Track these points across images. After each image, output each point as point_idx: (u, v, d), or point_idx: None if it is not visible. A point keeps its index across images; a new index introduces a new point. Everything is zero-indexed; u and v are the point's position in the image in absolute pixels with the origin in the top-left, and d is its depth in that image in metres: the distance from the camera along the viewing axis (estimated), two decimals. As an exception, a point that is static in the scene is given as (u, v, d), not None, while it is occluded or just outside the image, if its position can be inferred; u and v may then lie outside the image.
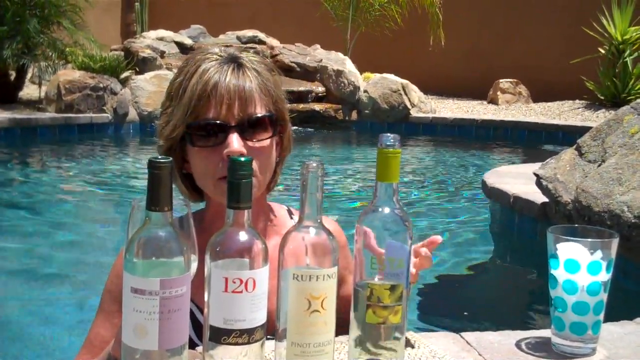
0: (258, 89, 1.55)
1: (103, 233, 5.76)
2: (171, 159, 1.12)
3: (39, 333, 3.72)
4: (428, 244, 1.48)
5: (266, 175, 1.58)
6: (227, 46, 1.72)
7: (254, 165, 1.43)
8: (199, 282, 1.19)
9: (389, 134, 1.24)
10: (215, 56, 1.57)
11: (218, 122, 1.51)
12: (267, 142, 1.56)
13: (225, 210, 1.55)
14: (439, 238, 1.48)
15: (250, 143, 1.53)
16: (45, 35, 10.98)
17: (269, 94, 1.57)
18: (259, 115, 1.54)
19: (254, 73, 1.56)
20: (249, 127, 1.53)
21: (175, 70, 1.80)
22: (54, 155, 9.20)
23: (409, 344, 1.44)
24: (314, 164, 1.19)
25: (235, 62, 1.56)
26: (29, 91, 11.94)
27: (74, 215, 6.31)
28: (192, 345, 1.33)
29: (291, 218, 1.73)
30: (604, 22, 12.43)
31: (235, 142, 1.50)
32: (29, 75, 11.88)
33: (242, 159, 1.16)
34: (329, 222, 1.68)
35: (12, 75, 11.57)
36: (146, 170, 1.11)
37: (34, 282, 4.48)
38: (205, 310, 1.17)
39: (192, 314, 1.15)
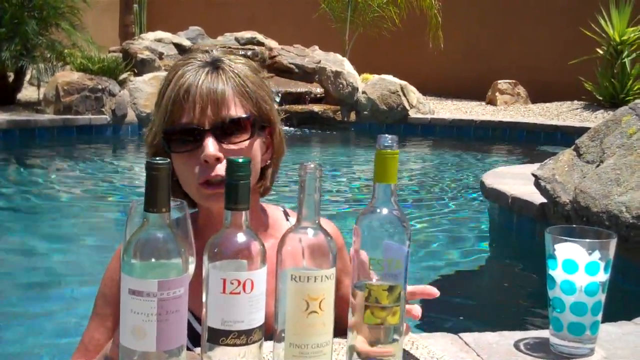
0: (234, 90, 1.52)
1: (101, 235, 5.76)
2: (169, 160, 1.12)
3: (33, 336, 3.72)
4: (420, 293, 1.42)
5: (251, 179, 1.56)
6: (222, 47, 1.70)
7: None
8: (193, 288, 1.19)
9: (387, 135, 1.23)
10: (195, 60, 1.55)
11: (192, 126, 1.50)
12: (246, 144, 1.53)
13: (214, 215, 1.56)
14: (434, 292, 1.42)
15: (225, 146, 1.51)
16: (44, 36, 10.99)
17: (247, 96, 1.54)
18: (234, 117, 1.51)
19: (230, 75, 1.53)
20: (225, 129, 1.51)
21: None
22: (52, 156, 9.20)
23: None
24: (312, 165, 1.19)
25: (212, 66, 1.54)
26: (28, 93, 11.95)
27: (72, 216, 6.30)
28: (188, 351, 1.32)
29: (287, 219, 1.72)
30: (602, 23, 12.44)
31: (210, 146, 1.48)
32: (27, 76, 11.89)
33: (240, 160, 1.16)
34: (327, 223, 1.67)
35: (11, 76, 11.58)
36: (144, 172, 1.11)
37: (30, 283, 4.48)
38: (204, 311, 1.17)
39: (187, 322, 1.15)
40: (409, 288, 1.37)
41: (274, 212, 1.73)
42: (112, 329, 1.57)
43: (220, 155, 1.49)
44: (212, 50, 1.60)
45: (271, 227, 1.68)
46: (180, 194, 1.59)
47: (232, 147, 1.51)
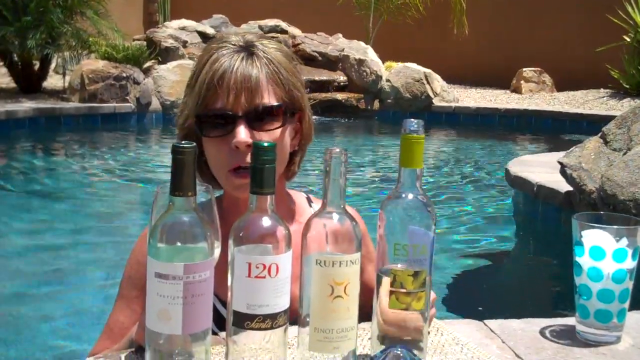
0: (267, 77, 1.52)
1: (126, 221, 5.80)
2: (195, 144, 1.12)
3: (61, 320, 3.76)
4: None
5: (279, 165, 1.56)
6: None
7: None
8: (219, 271, 1.19)
9: (412, 120, 1.23)
10: (229, 45, 1.55)
11: (225, 112, 1.50)
12: (277, 132, 1.54)
13: (238, 202, 1.56)
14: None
15: (257, 134, 1.51)
16: (69, 25, 11.03)
17: (280, 83, 1.54)
18: (267, 105, 1.52)
19: (264, 61, 1.53)
20: (257, 117, 1.51)
21: (197, 60, 1.80)
22: (77, 144, 9.28)
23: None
24: (337, 150, 1.18)
25: (247, 51, 1.54)
26: (53, 81, 12.04)
27: (98, 203, 6.36)
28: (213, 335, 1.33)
29: (310, 206, 1.72)
30: (629, 9, 12.27)
31: (242, 132, 1.49)
32: (52, 65, 11.97)
33: (266, 144, 1.16)
34: (349, 209, 1.67)
35: (36, 65, 11.66)
36: (169, 159, 1.12)
37: (57, 268, 4.52)
38: (229, 295, 1.17)
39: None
40: None
41: (298, 197, 1.74)
42: (138, 311, 1.57)
43: (252, 142, 1.49)
44: (244, 34, 1.60)
45: (295, 212, 1.69)
46: (208, 174, 1.60)
47: (263, 134, 1.52)
